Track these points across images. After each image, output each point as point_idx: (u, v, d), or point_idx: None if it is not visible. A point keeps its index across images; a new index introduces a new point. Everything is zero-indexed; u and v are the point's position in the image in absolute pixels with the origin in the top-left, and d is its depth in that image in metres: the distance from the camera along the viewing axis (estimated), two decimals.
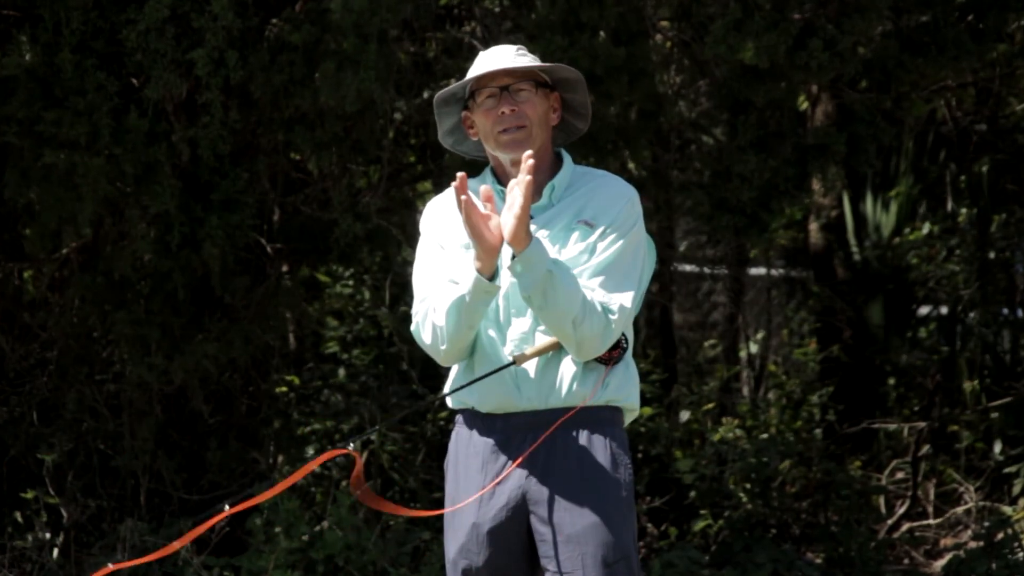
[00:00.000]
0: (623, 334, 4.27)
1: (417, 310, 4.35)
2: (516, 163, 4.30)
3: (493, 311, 4.29)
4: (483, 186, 4.21)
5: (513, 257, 4.14)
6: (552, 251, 4.23)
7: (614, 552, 4.24)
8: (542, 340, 4.25)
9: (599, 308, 4.19)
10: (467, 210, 4.11)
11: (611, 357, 4.26)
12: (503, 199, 4.32)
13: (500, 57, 4.31)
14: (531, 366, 4.26)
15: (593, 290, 4.21)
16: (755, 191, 7.39)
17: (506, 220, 4.12)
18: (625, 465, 4.30)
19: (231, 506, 4.31)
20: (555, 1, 7.05)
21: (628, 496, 4.29)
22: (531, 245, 4.11)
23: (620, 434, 4.33)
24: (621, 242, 4.27)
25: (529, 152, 4.14)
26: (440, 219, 4.40)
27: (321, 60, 6.95)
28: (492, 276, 4.18)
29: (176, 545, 4.38)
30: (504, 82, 4.28)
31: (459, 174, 4.11)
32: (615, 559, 4.23)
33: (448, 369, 4.43)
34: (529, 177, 4.09)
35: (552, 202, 4.32)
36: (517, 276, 4.14)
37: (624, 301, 4.23)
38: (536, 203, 4.30)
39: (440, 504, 4.46)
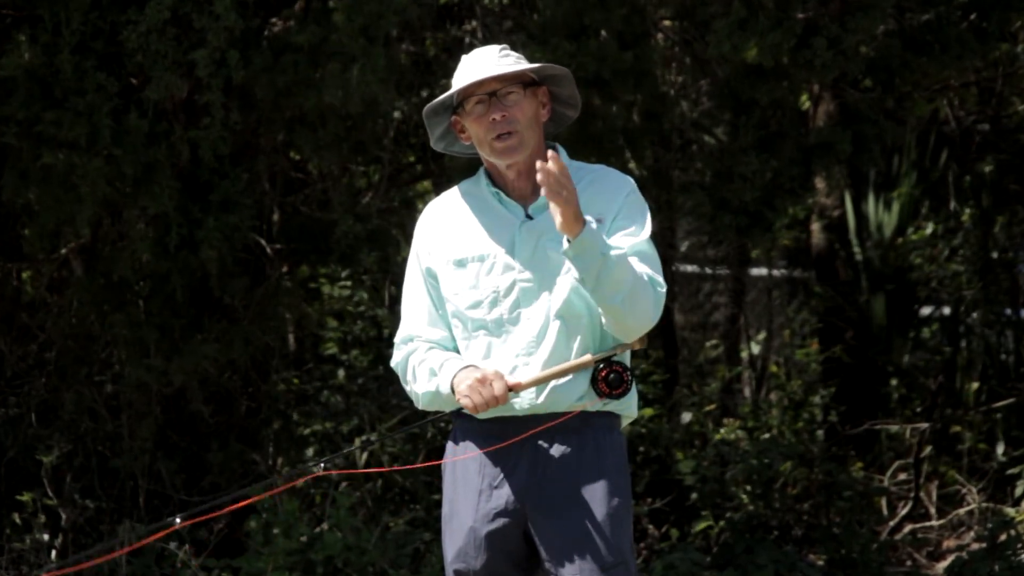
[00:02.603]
0: (625, 365, 4.25)
1: (399, 346, 4.38)
2: (511, 167, 4.29)
3: (495, 320, 4.26)
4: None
5: (568, 241, 4.11)
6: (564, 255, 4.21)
7: (612, 556, 4.22)
8: (543, 368, 4.23)
9: (647, 280, 4.18)
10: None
11: (612, 393, 4.23)
12: (500, 201, 4.31)
13: (484, 61, 4.28)
14: (530, 371, 4.23)
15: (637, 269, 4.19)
16: (757, 191, 7.37)
17: (552, 209, 4.08)
18: (622, 470, 4.28)
19: (182, 519, 4.31)
20: (560, 2, 7.02)
21: (625, 501, 4.27)
22: (584, 231, 4.07)
23: (618, 439, 4.31)
24: (645, 229, 4.26)
25: (542, 164, 4.07)
26: (433, 230, 4.37)
27: (325, 61, 6.93)
28: None
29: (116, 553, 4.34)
30: (492, 87, 4.25)
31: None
32: (613, 563, 4.21)
33: None
34: (555, 167, 4.03)
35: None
36: (571, 260, 4.12)
37: (661, 273, 4.23)
38: (536, 202, 4.28)
39: (440, 507, 4.44)
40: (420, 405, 4.37)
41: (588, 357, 4.20)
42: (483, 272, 4.27)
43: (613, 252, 4.12)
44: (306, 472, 4.38)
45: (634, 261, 4.19)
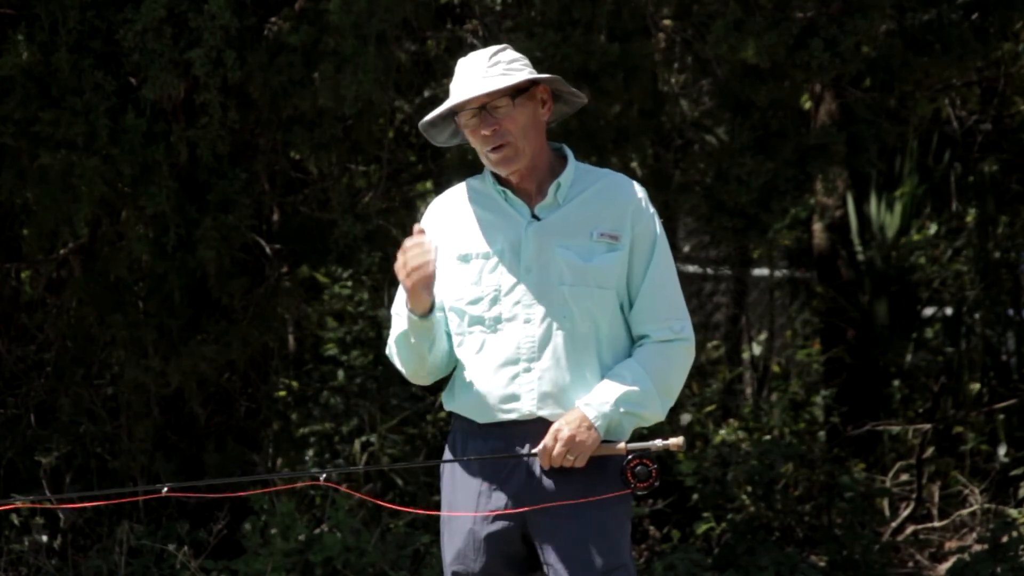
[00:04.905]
0: (655, 461, 4.23)
1: (391, 331, 4.37)
2: (513, 174, 4.27)
3: (494, 318, 4.24)
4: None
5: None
6: (576, 260, 4.22)
7: (612, 560, 4.20)
8: (544, 377, 4.23)
9: (672, 354, 4.25)
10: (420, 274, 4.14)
11: (637, 487, 4.23)
12: (506, 200, 4.30)
13: (472, 72, 4.25)
14: (532, 376, 4.21)
15: (657, 331, 4.25)
16: (754, 193, 7.36)
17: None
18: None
19: None
20: None
21: (625, 504, 4.25)
22: (596, 427, 4.17)
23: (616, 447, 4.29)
24: (658, 252, 4.27)
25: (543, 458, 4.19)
26: (439, 224, 4.36)
27: (319, 61, 6.91)
28: (427, 312, 4.20)
29: None
30: (480, 101, 4.23)
31: (416, 226, 4.18)
32: (613, 566, 4.20)
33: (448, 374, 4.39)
34: (547, 461, 4.18)
35: (559, 202, 4.28)
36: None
37: (684, 311, 4.30)
38: (542, 202, 4.28)
39: (440, 507, 4.42)
40: (405, 372, 4.38)
41: (622, 446, 4.20)
42: (487, 269, 4.26)
43: (627, 401, 4.19)
44: (305, 477, 4.40)
45: (653, 307, 4.24)
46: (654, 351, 4.25)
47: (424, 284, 4.16)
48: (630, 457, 4.19)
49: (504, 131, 4.23)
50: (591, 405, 4.17)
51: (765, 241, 8.18)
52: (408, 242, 4.16)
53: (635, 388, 4.19)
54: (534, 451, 4.18)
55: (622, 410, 4.18)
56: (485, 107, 4.23)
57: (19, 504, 4.06)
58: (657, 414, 4.25)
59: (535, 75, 4.30)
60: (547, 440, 4.15)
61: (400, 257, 4.16)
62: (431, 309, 4.22)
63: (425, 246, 4.14)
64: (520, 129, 4.24)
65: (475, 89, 4.22)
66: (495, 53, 4.28)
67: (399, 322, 4.28)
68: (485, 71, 4.24)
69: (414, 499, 8.59)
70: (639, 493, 4.22)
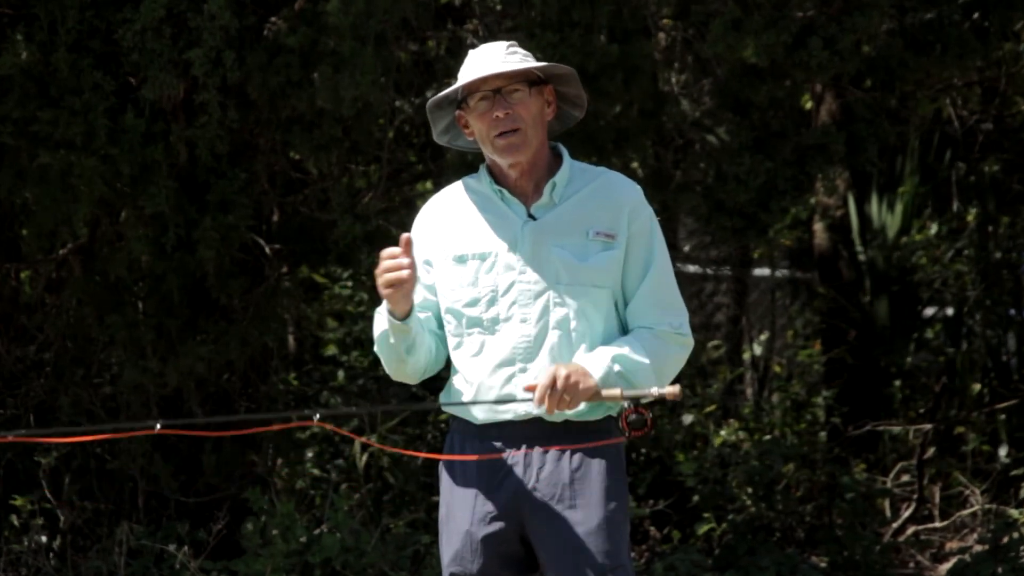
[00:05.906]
0: (650, 410, 4.20)
1: (375, 328, 4.33)
2: (513, 166, 4.26)
3: (491, 319, 4.23)
4: (404, 236, 4.13)
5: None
6: (571, 260, 4.20)
7: (610, 560, 4.19)
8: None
9: (669, 345, 4.24)
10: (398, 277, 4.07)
11: (632, 434, 4.18)
12: (502, 199, 4.28)
13: (491, 57, 4.24)
14: (528, 376, 4.20)
15: (658, 324, 4.23)
16: (752, 192, 7.35)
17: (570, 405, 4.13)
18: (619, 473, 4.26)
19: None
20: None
21: (622, 504, 4.24)
22: (596, 380, 4.12)
23: (616, 443, 4.27)
24: (655, 251, 4.26)
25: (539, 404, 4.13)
26: (435, 224, 4.34)
27: (318, 62, 6.90)
28: (406, 316, 4.15)
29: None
30: (497, 84, 4.22)
31: (404, 236, 4.10)
32: (611, 567, 4.19)
33: (447, 371, 4.38)
34: (539, 402, 4.11)
35: (554, 200, 4.27)
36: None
37: (684, 310, 4.29)
38: (538, 202, 4.27)
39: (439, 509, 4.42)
40: (390, 372, 4.33)
41: (618, 392, 4.16)
42: (483, 270, 4.25)
43: (622, 360, 4.15)
44: (295, 419, 4.33)
45: (652, 305, 4.23)
46: (652, 335, 4.24)
47: (400, 294, 4.11)
48: (626, 405, 4.16)
49: (517, 116, 4.21)
50: (588, 360, 4.14)
51: (765, 241, 8.18)
52: (384, 253, 4.10)
53: (633, 356, 4.16)
54: (528, 395, 4.13)
55: (617, 368, 4.14)
56: (500, 91, 4.21)
57: (10, 439, 4.00)
58: (643, 376, 4.19)
59: (555, 64, 4.30)
60: (545, 378, 4.09)
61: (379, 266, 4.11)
62: (410, 312, 4.18)
63: (399, 262, 4.07)
64: (531, 118, 4.23)
65: (497, 68, 4.20)
66: (511, 44, 4.30)
67: (380, 321, 4.24)
68: (504, 57, 4.24)
69: (414, 499, 8.58)
70: (634, 439, 4.19)
